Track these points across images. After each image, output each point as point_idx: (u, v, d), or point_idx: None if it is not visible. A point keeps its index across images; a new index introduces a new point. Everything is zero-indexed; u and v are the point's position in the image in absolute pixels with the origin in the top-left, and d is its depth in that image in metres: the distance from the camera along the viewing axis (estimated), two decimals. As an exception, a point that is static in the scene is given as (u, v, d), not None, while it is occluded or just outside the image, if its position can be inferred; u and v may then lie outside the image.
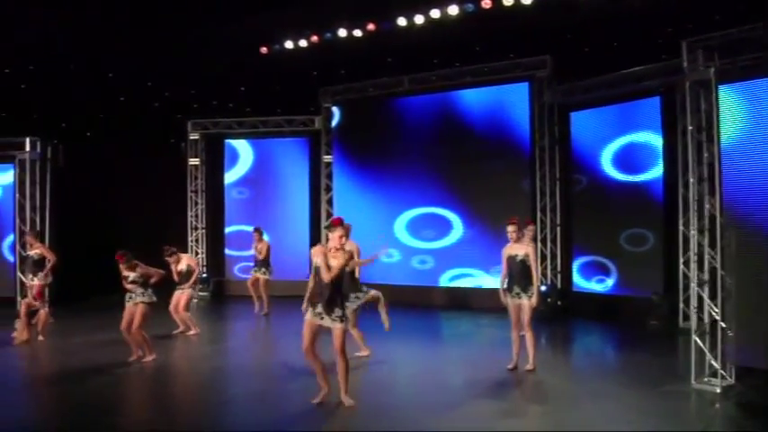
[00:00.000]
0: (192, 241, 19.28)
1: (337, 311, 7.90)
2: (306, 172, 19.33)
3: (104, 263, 18.15)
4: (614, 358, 11.92)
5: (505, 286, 9.88)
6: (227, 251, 19.62)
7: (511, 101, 16.63)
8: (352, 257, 8.20)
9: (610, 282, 14.93)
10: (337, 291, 7.96)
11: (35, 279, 12.96)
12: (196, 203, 19.58)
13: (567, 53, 16.17)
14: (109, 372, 10.18)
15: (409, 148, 17.68)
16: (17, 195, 16.76)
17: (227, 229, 19.61)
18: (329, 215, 18.69)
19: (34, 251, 13.68)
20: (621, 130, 14.75)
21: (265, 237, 16.17)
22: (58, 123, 18.15)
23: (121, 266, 10.77)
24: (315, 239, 18.82)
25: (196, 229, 19.49)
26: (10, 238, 17.24)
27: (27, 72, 17.47)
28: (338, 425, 7.73)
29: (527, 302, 9.64)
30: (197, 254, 19.16)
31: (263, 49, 18.28)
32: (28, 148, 16.68)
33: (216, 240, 19.64)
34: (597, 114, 15.37)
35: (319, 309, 7.91)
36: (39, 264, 13.28)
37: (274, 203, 19.22)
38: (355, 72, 18.48)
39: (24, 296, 13.96)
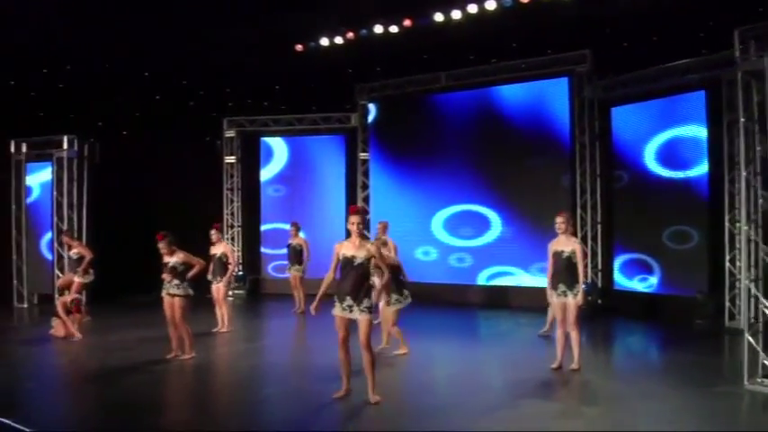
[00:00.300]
0: (227, 239, 19.14)
1: (366, 302, 7.84)
2: (342, 169, 19.19)
3: (140, 261, 18.36)
4: (660, 358, 11.60)
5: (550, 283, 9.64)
6: (262, 249, 19.55)
7: (550, 96, 16.38)
8: (380, 252, 8.09)
9: (653, 280, 14.60)
10: (365, 281, 7.89)
11: (76, 277, 13.06)
12: (232, 201, 19.53)
13: (606, 47, 15.86)
14: (147, 370, 10.10)
15: (447, 145, 17.48)
16: (54, 193, 16.81)
17: (263, 227, 19.52)
18: (365, 213, 18.53)
19: (73, 251, 13.77)
20: (664, 125, 14.42)
21: (302, 234, 16.05)
22: (94, 122, 18.13)
23: (161, 247, 10.52)
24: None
25: (232, 226, 19.42)
26: (48, 236, 17.26)
27: (64, 72, 17.49)
28: (380, 425, 7.55)
29: (572, 301, 9.38)
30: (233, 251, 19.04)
31: (299, 47, 18.14)
32: (65, 146, 16.74)
33: (252, 238, 19.58)
34: (639, 109, 15.05)
35: (348, 301, 7.87)
36: (79, 262, 13.38)
37: (310, 201, 19.11)
38: (391, 68, 18.27)
39: (61, 294, 13.95)
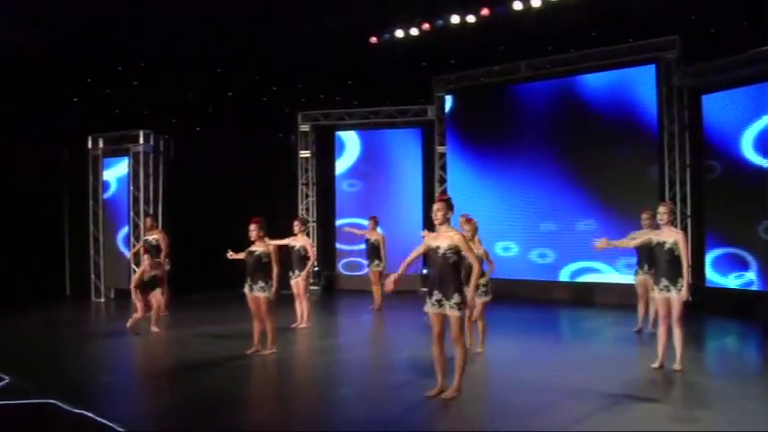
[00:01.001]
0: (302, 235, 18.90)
1: (456, 297, 7.48)
2: (419, 163, 18.79)
3: (214, 256, 18.25)
4: (763, 359, 10.90)
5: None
6: (337, 245, 19.25)
7: (636, 85, 15.73)
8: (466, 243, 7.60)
9: (750, 276, 13.82)
10: (451, 273, 7.51)
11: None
12: (307, 196, 19.28)
13: (695, 33, 15.16)
14: (227, 365, 9.85)
15: (527, 137, 16.97)
16: (131, 188, 16.79)
17: (338, 222, 19.21)
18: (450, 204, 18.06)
19: (152, 236, 13.66)
20: (761, 111, 13.62)
21: (379, 229, 15.68)
22: (168, 119, 18.07)
23: (252, 230, 10.32)
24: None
25: (307, 222, 19.13)
26: (124, 231, 17.25)
27: (138, 68, 17.49)
28: (479, 425, 7.15)
29: (677, 296, 8.80)
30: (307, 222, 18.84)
31: (373, 39, 17.79)
32: (141, 141, 16.69)
33: (327, 234, 19.30)
34: (732, 96, 14.27)
35: (436, 295, 7.58)
36: (157, 250, 13.24)
37: (386, 196, 18.75)
38: (469, 59, 17.80)
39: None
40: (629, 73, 15.82)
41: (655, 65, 15.50)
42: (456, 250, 7.48)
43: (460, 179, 17.98)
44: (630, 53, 15.76)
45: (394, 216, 18.30)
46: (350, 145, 19.31)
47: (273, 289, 10.26)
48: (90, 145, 17.41)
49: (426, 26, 17.06)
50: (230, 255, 10.90)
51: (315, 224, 19.23)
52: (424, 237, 8.74)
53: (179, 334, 12.44)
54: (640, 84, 15.65)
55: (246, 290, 10.35)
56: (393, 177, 18.90)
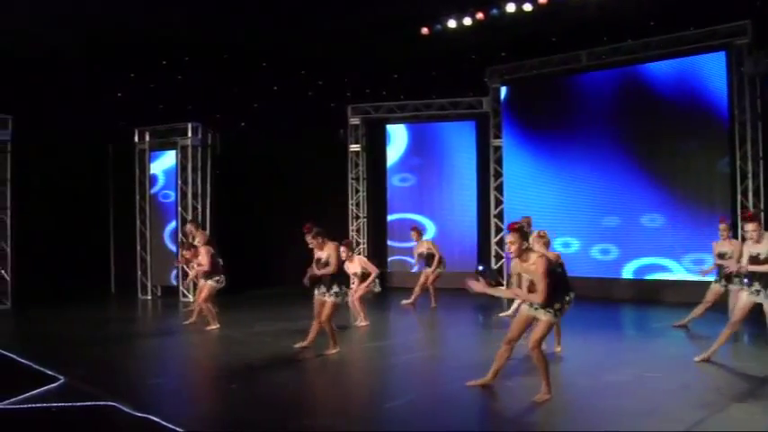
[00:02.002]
0: (352, 231, 18.41)
1: (556, 305, 7.24)
2: (473, 156, 18.13)
3: (262, 253, 17.88)
4: None
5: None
6: (389, 242, 18.61)
7: (705, 73, 14.97)
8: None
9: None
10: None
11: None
12: (357, 191, 18.70)
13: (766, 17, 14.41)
14: (287, 365, 9.38)
15: (588, 129, 16.24)
16: (179, 182, 16.37)
17: (390, 218, 18.62)
18: (499, 202, 17.49)
19: (197, 240, 13.10)
20: None
21: (425, 237, 14.93)
22: (212, 113, 17.60)
23: (308, 240, 9.85)
24: (483, 228, 17.72)
25: (357, 218, 18.62)
26: (171, 226, 16.85)
27: (182, 63, 17.10)
28: (582, 426, 6.62)
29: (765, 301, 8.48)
30: (358, 244, 18.27)
31: (424, 30, 17.19)
32: (190, 134, 16.25)
33: (378, 230, 18.71)
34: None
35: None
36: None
37: (439, 191, 18.19)
38: (524, 49, 17.11)
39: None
40: (697, 60, 15.07)
41: (725, 52, 14.75)
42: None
43: (517, 173, 17.32)
44: (698, 40, 14.99)
45: (447, 211, 17.78)
46: (401, 138, 18.74)
47: (342, 295, 9.96)
48: (137, 138, 16.97)
49: (480, 15, 16.45)
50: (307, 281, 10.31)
51: (365, 220, 18.63)
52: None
53: (235, 333, 11.95)
54: (709, 72, 14.90)
55: (317, 293, 9.98)
56: (446, 171, 18.28)
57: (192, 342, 11.52)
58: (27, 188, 15.99)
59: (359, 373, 9.56)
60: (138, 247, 16.97)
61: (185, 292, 16.25)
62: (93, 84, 16.32)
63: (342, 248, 11.68)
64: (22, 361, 9.57)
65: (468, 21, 16.48)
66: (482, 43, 17.19)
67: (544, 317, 7.23)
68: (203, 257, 12.21)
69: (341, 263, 10.24)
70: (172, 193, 16.85)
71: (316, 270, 9.85)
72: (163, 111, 17.20)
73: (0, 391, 7.72)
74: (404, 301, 14.93)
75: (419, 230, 14.99)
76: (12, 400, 7.49)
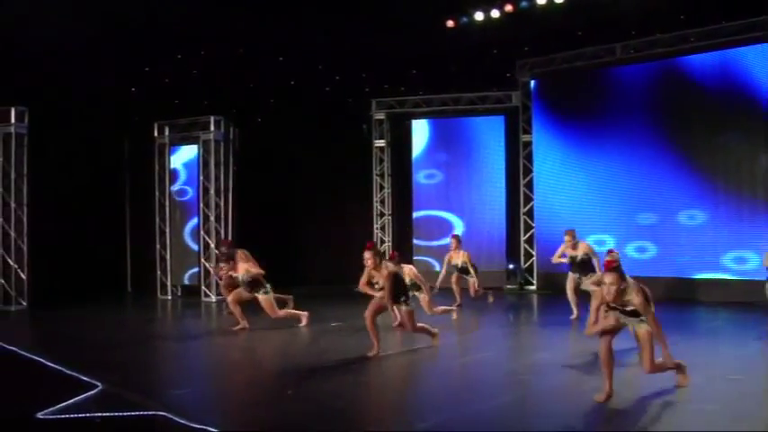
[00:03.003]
0: (377, 229, 17.88)
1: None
2: (502, 152, 17.57)
3: (284, 253, 17.33)
4: None
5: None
6: (414, 241, 18.00)
7: (746, 66, 14.45)
8: None
9: None
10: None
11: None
12: (382, 188, 18.13)
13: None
14: (345, 369, 8.82)
15: (623, 123, 15.70)
16: (201, 178, 15.82)
17: (416, 215, 18.03)
18: (528, 199, 16.98)
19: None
20: None
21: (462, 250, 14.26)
22: (229, 109, 17.01)
23: (367, 260, 9.33)
24: (512, 226, 17.21)
25: (382, 215, 18.08)
26: (193, 223, 16.30)
27: (199, 57, 16.57)
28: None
29: None
30: (383, 242, 17.75)
31: (450, 23, 16.64)
32: (212, 128, 15.69)
33: (403, 228, 18.16)
34: None
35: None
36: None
37: (467, 187, 17.63)
38: (555, 43, 16.56)
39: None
40: (739, 53, 14.56)
41: (765, 45, 14.26)
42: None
43: (548, 169, 16.81)
44: (739, 32, 14.49)
45: (475, 208, 17.27)
46: (427, 134, 18.17)
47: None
48: (156, 132, 16.40)
49: (509, 7, 15.92)
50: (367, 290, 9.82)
51: (390, 217, 18.09)
52: None
53: (273, 334, 11.46)
54: (749, 63, 14.41)
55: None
56: (474, 167, 17.71)
57: (226, 344, 10.99)
58: (41, 184, 15.38)
59: (414, 378, 9.02)
60: (158, 246, 16.37)
61: (207, 291, 15.69)
62: (108, 77, 15.79)
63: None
64: (51, 365, 9.01)
65: (496, 13, 15.97)
66: (511, 36, 16.60)
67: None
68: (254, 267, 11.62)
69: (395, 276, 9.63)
70: (191, 189, 16.32)
71: (371, 291, 9.49)
72: (178, 105, 16.70)
73: (36, 398, 7.20)
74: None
75: (459, 239, 14.10)
76: (51, 409, 6.94)
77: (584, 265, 11.95)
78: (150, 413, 6.82)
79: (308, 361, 9.34)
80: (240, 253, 11.57)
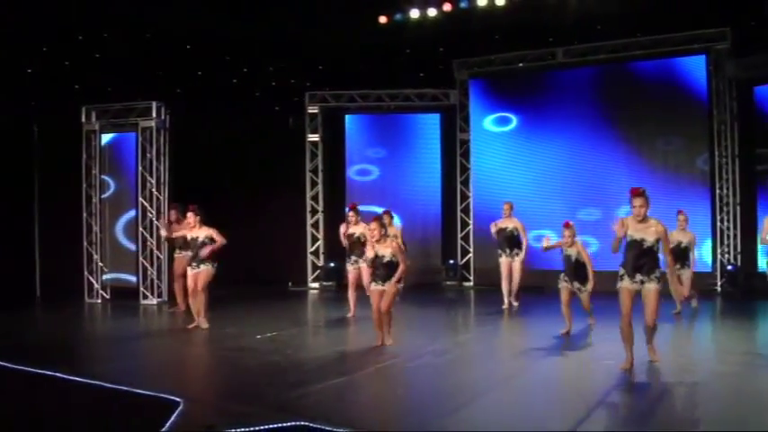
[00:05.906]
0: (310, 225, 17.29)
1: (657, 272, 7.97)
2: (437, 150, 17.63)
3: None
4: None
5: None
6: (347, 236, 17.57)
7: (684, 75, 15.43)
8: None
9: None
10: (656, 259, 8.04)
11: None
12: (315, 183, 17.53)
13: (745, 25, 15.02)
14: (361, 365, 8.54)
15: (563, 124, 16.32)
16: (140, 168, 14.59)
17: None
18: (465, 197, 17.07)
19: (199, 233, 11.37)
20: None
21: (396, 221, 14.25)
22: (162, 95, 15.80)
23: (372, 226, 9.38)
24: (448, 223, 17.23)
25: (315, 212, 17.48)
26: (128, 216, 15.05)
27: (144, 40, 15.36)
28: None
29: None
30: (315, 239, 17.24)
31: (382, 19, 16.39)
32: (154, 114, 14.51)
33: (335, 225, 17.58)
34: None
35: (639, 277, 7.96)
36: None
37: (403, 183, 17.47)
38: (494, 43, 16.78)
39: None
40: (678, 63, 15.54)
41: (705, 55, 15.29)
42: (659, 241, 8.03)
43: (485, 167, 17.06)
44: (679, 43, 15.44)
45: (411, 204, 17.19)
46: (362, 129, 17.83)
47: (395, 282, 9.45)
48: (83, 118, 14.89)
49: (447, 7, 15.93)
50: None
51: (322, 214, 17.50)
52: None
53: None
54: (689, 73, 15.40)
55: (372, 285, 9.56)
56: (410, 164, 17.61)
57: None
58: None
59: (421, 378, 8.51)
60: (85, 243, 14.85)
61: (146, 293, 14.47)
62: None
63: (350, 213, 12.28)
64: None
65: (433, 12, 15.92)
66: (449, 35, 16.60)
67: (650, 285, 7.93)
68: (216, 234, 10.94)
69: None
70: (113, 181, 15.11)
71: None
72: (110, 92, 15.34)
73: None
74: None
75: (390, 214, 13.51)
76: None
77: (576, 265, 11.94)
78: (290, 424, 6.13)
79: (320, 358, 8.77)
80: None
